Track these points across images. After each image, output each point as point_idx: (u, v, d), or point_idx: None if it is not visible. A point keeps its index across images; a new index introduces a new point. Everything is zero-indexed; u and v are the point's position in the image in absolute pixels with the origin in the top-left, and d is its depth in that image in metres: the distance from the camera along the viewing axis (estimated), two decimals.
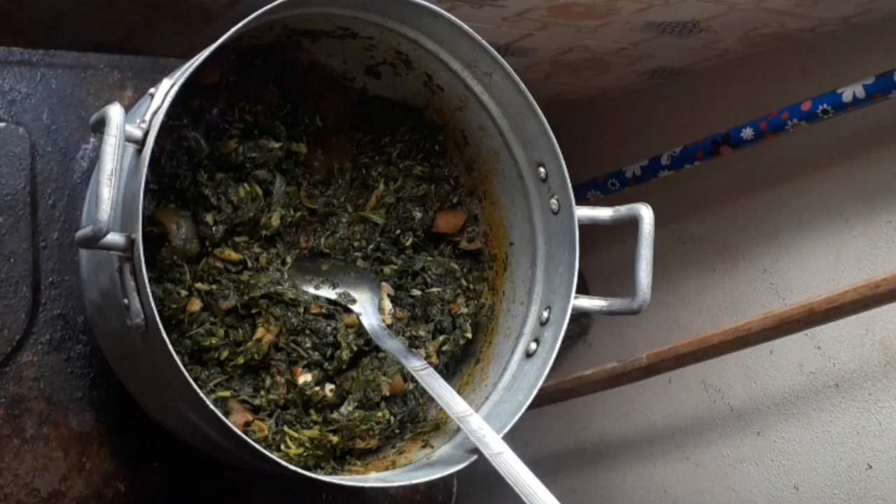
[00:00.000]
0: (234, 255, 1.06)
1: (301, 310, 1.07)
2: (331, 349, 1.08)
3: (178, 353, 0.92)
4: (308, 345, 1.07)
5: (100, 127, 0.89)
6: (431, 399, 1.05)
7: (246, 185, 1.07)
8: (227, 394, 1.04)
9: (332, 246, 1.13)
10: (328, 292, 1.10)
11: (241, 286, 1.05)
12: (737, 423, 1.65)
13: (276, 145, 1.09)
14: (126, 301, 0.89)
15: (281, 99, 1.11)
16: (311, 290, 1.10)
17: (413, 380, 1.09)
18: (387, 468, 1.06)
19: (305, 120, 1.13)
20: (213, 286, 1.04)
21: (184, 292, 1.02)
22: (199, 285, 1.04)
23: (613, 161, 1.73)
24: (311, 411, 1.07)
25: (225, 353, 1.04)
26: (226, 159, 1.07)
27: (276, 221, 1.08)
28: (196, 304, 1.03)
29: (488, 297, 1.17)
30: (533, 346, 1.09)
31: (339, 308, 1.10)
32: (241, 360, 1.04)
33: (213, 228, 1.05)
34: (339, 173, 1.14)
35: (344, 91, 1.15)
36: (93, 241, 0.87)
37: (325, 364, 1.08)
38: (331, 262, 1.12)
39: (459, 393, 1.03)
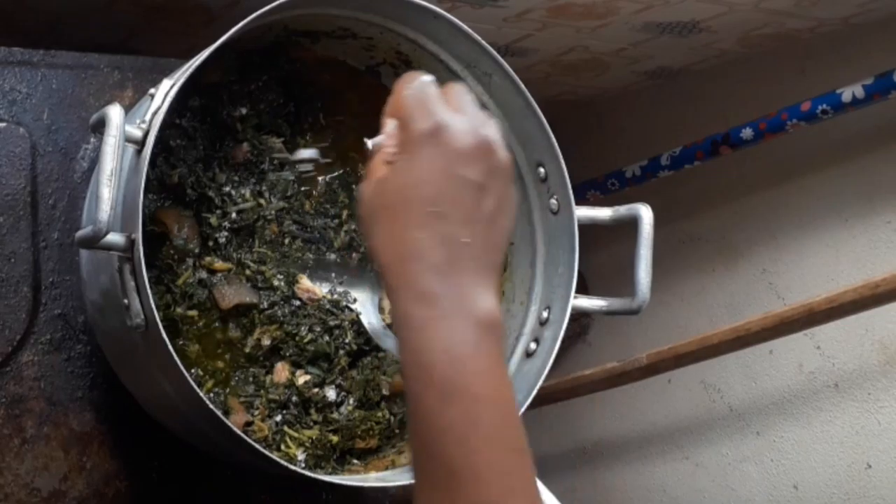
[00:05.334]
0: (223, 265, 1.05)
1: (301, 310, 1.08)
2: (331, 349, 1.08)
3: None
4: (307, 342, 1.07)
5: (100, 127, 0.89)
6: None
7: (251, 187, 1.07)
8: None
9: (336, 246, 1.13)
10: (328, 291, 1.10)
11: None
12: (736, 422, 1.65)
13: (279, 142, 1.09)
14: (126, 301, 0.89)
15: (283, 97, 1.11)
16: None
17: None
18: (387, 468, 1.06)
19: (309, 119, 1.13)
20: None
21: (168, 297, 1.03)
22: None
23: (613, 161, 1.73)
24: (312, 411, 1.07)
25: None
26: (228, 159, 1.07)
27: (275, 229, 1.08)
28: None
29: None
30: (532, 345, 1.09)
31: (340, 307, 1.10)
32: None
33: (218, 233, 1.05)
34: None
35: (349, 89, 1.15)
36: (93, 242, 0.87)
37: (325, 365, 1.08)
38: (331, 261, 1.12)
39: None
